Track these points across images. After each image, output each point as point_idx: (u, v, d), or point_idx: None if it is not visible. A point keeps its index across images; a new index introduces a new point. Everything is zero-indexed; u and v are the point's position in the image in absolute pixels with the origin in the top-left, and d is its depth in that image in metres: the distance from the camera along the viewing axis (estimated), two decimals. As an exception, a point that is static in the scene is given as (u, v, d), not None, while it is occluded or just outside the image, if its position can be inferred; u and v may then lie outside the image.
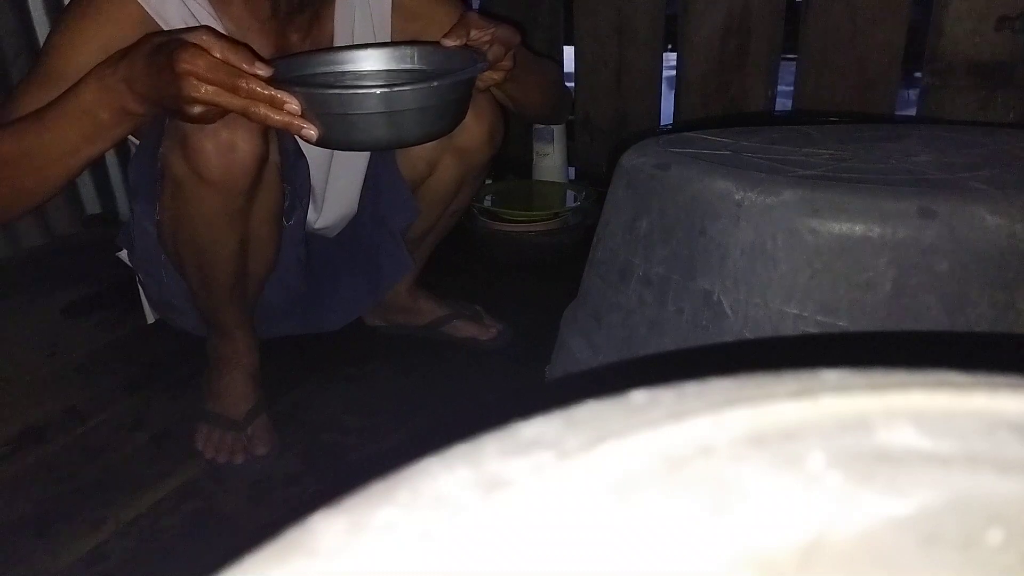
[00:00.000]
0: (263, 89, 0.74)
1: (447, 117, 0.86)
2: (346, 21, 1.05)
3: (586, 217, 1.51)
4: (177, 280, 1.03)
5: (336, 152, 1.09)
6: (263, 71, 0.74)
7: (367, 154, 1.14)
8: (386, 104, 0.78)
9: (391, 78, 0.93)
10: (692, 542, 0.15)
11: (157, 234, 0.99)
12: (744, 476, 0.16)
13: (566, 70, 1.88)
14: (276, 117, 0.76)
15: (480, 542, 0.15)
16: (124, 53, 0.77)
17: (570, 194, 1.64)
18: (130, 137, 1.01)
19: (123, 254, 1.14)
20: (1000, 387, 0.18)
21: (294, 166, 1.02)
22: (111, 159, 1.86)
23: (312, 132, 0.77)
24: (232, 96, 0.74)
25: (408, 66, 0.95)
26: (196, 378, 1.13)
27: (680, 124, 1.71)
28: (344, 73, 0.94)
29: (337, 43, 1.05)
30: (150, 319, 1.22)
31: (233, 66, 0.73)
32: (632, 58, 1.73)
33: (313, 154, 1.05)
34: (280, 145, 0.94)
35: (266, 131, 0.86)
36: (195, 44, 0.72)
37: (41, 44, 1.02)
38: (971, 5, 1.40)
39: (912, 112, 1.70)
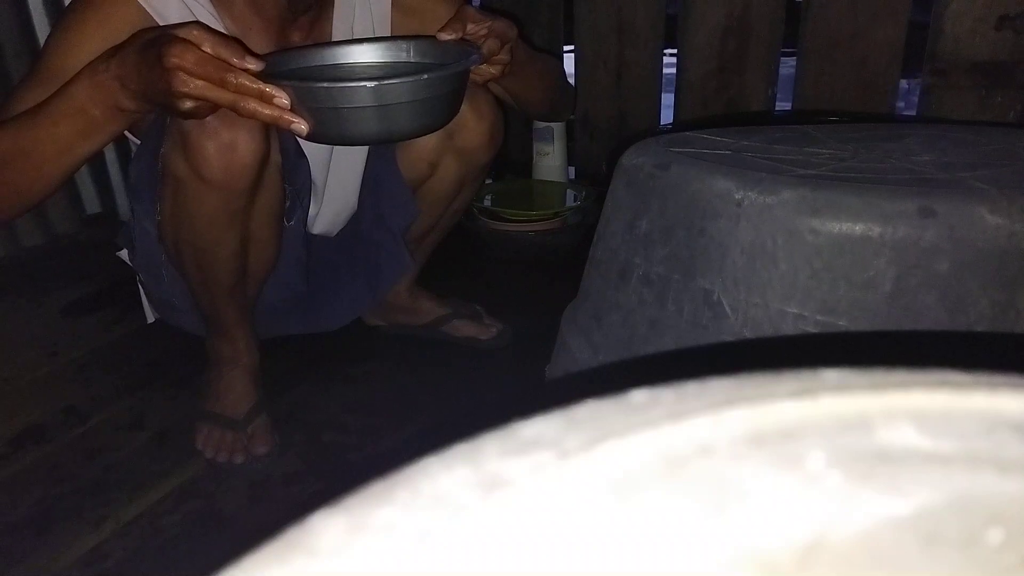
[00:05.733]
0: (252, 83, 0.74)
1: (440, 111, 0.85)
2: (346, 19, 1.05)
3: (586, 217, 1.51)
4: (177, 280, 1.02)
5: (336, 148, 1.09)
6: (253, 65, 0.74)
7: (365, 149, 1.14)
8: (377, 98, 0.77)
9: (386, 71, 0.93)
10: (692, 542, 0.15)
11: (157, 234, 0.99)
12: (744, 476, 0.16)
13: (566, 70, 1.88)
14: (265, 112, 0.75)
15: (480, 542, 0.15)
16: (116, 50, 0.77)
17: (570, 193, 1.64)
18: (131, 137, 1.01)
19: (123, 253, 1.14)
20: (1000, 387, 0.18)
21: (295, 166, 1.02)
22: (111, 158, 1.86)
23: (303, 126, 0.77)
24: (221, 90, 0.73)
25: (404, 59, 0.94)
26: (196, 378, 1.12)
27: (680, 124, 1.71)
28: (339, 66, 0.94)
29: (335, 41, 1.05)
30: (150, 319, 1.22)
31: (223, 60, 0.73)
32: (632, 58, 1.73)
33: (313, 150, 1.05)
34: (281, 145, 0.94)
35: (267, 131, 0.86)
36: (184, 39, 0.72)
37: (41, 44, 1.02)
38: (971, 5, 1.40)
39: (912, 112, 1.70)
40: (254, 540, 0.17)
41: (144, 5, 0.89)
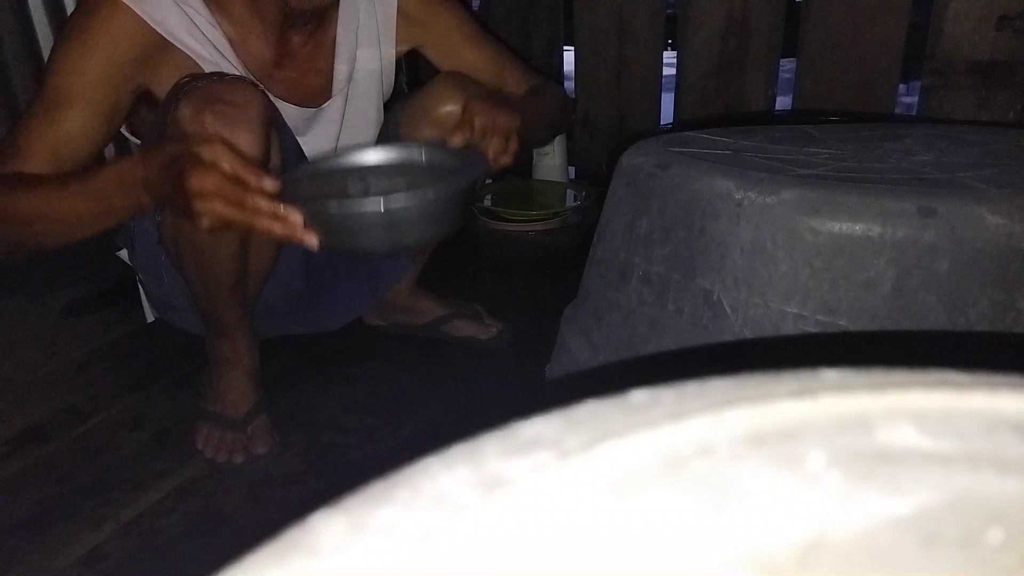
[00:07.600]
0: (267, 204, 0.77)
1: (446, 221, 0.89)
2: (350, 25, 1.05)
3: (586, 216, 1.51)
4: (177, 280, 1.03)
5: (338, 147, 1.09)
6: (269, 185, 0.77)
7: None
8: (385, 216, 0.81)
9: (399, 175, 0.95)
10: (692, 542, 0.15)
11: (157, 234, 0.99)
12: (744, 476, 0.16)
13: (566, 69, 1.88)
14: (279, 230, 0.78)
15: (480, 542, 0.15)
16: (145, 156, 0.81)
17: (570, 193, 1.64)
18: (131, 137, 1.01)
19: (123, 253, 1.14)
20: (1000, 387, 0.18)
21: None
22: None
23: (315, 242, 0.80)
24: (238, 210, 0.76)
25: (416, 160, 0.96)
26: (196, 378, 1.12)
27: (680, 124, 1.71)
28: (355, 170, 0.95)
29: (339, 46, 1.05)
30: (150, 318, 1.22)
31: (241, 179, 0.76)
32: (632, 57, 1.73)
33: (314, 151, 1.05)
34: (281, 146, 0.94)
35: (267, 132, 0.86)
36: (205, 161, 0.75)
37: (41, 44, 1.02)
38: (971, 5, 1.40)
39: (912, 112, 1.70)
40: (254, 540, 0.17)
41: (143, 16, 0.89)
